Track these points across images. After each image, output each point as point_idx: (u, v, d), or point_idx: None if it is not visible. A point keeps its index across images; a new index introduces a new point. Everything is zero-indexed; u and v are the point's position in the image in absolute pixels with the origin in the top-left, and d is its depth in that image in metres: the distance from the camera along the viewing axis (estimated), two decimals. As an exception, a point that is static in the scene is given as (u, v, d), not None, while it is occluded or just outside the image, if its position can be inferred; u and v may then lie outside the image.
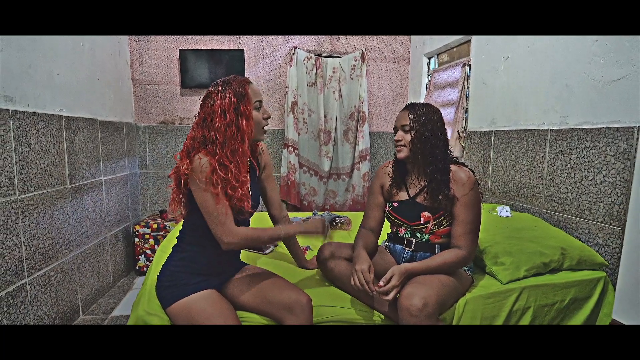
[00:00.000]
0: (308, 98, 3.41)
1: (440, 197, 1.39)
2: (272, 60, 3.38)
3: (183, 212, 1.30)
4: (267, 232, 1.29)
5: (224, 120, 1.18)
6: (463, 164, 1.45)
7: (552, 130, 1.95)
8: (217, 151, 1.18)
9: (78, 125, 2.27)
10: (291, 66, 3.32)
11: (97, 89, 2.56)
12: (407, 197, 1.49)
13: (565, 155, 1.86)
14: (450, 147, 1.45)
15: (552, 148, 1.94)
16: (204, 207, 1.18)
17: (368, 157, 3.46)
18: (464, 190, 1.38)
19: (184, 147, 1.24)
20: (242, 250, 1.49)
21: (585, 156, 1.75)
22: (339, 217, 2.23)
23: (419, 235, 1.47)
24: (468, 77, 2.68)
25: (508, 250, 1.54)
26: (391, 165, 1.55)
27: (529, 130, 2.10)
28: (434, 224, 1.42)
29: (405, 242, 1.50)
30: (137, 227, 3.03)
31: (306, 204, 3.49)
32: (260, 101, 1.27)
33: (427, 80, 3.33)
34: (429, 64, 3.33)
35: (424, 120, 1.40)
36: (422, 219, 1.43)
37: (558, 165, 1.90)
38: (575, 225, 1.81)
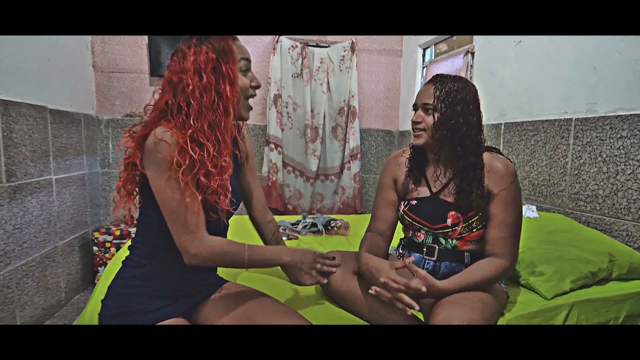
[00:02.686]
0: (293, 90, 3.10)
1: (472, 196, 1.11)
2: (254, 48, 3.07)
3: (133, 210, 0.96)
4: (256, 252, 0.95)
5: (199, 82, 0.87)
6: (497, 151, 1.18)
7: (577, 119, 1.71)
8: (192, 122, 0.86)
9: (20, 112, 1.89)
10: (274, 55, 3.01)
11: (48, 72, 2.18)
12: (428, 194, 1.20)
13: (595, 147, 1.63)
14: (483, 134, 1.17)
15: (577, 140, 1.71)
16: (164, 203, 0.86)
17: (359, 155, 3.18)
18: (502, 184, 1.10)
19: (142, 122, 0.92)
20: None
21: (622, 147, 1.52)
22: (334, 220, 1.92)
23: (443, 241, 1.18)
24: (471, 66, 2.45)
25: (546, 257, 1.27)
26: (407, 154, 1.26)
27: (547, 120, 1.86)
28: (464, 226, 1.14)
29: (425, 249, 1.21)
30: (97, 234, 2.63)
31: (290, 209, 3.17)
32: (248, 60, 0.96)
33: (423, 73, 3.09)
34: (424, 55, 3.09)
35: (454, 100, 1.09)
36: (448, 221, 1.14)
37: (585, 159, 1.67)
38: (609, 226, 1.57)
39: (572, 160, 1.73)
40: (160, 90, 0.92)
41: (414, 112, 1.18)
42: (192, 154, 0.85)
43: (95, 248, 2.64)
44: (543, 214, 1.66)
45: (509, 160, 1.15)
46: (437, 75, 1.16)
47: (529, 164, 1.97)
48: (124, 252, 1.02)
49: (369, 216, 2.38)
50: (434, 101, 1.11)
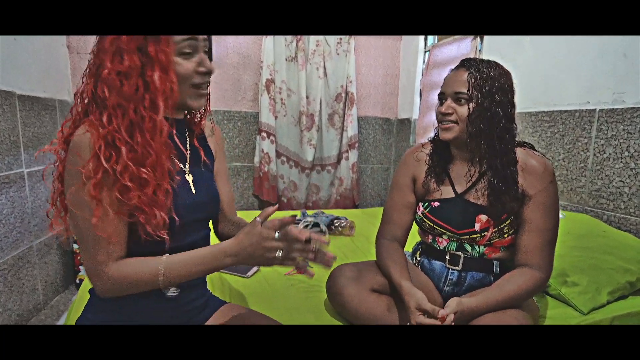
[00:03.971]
0: (287, 75, 2.90)
1: (505, 196, 0.98)
2: (245, 29, 2.85)
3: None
4: (175, 267, 0.73)
5: (119, 65, 0.68)
6: (530, 146, 1.05)
7: (601, 110, 1.59)
8: (106, 119, 0.68)
9: (-17, 98, 1.67)
10: (266, 37, 2.80)
11: (15, 53, 1.94)
12: (452, 195, 1.07)
13: (622, 140, 1.50)
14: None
15: (601, 132, 1.59)
16: (73, 224, 0.71)
17: (357, 145, 3.03)
18: (539, 185, 0.98)
19: (70, 119, 0.74)
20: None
21: (653, 142, 1.40)
22: (338, 219, 1.77)
23: (468, 248, 1.05)
24: (480, 51, 2.29)
25: (578, 265, 1.16)
26: (427, 149, 1.12)
27: (566, 111, 1.74)
28: (495, 232, 1.01)
29: (448, 257, 1.08)
30: (77, 231, 2.44)
31: (285, 201, 3.01)
32: (195, 39, 0.74)
33: (425, 57, 2.93)
34: (426, 39, 2.92)
35: (492, 88, 0.96)
36: (477, 226, 1.01)
37: (610, 154, 1.55)
38: (635, 227, 1.46)
39: (594, 155, 1.61)
40: (86, 75, 0.73)
41: (440, 101, 1.04)
42: (104, 162, 0.67)
43: (75, 245, 2.45)
44: (568, 214, 1.55)
45: (546, 157, 1.02)
46: (468, 59, 1.01)
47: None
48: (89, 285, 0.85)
49: (371, 211, 2.26)
50: (469, 90, 0.97)
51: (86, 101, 0.73)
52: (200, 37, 0.75)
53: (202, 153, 0.88)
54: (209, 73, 0.77)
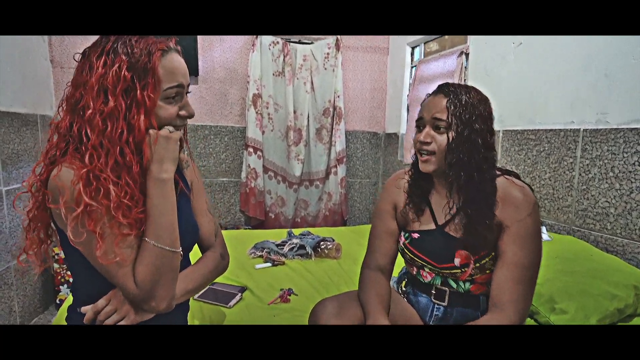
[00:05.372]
0: (274, 90, 2.89)
1: (481, 227, 0.91)
2: (231, 43, 2.83)
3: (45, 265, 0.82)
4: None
5: (103, 105, 0.68)
6: (515, 175, 0.99)
7: (585, 130, 1.59)
8: (89, 158, 0.68)
9: (-43, 117, 1.62)
10: (254, 51, 2.79)
11: (-8, 68, 1.89)
12: (433, 226, 1.01)
13: (607, 161, 1.51)
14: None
15: (585, 152, 1.59)
16: (92, 262, 0.73)
17: (345, 159, 3.01)
18: (517, 216, 0.90)
19: (44, 150, 0.74)
20: (190, 304, 0.96)
21: (637, 162, 1.40)
22: (324, 240, 1.73)
23: (454, 284, 1.01)
24: (465, 68, 2.30)
25: (567, 291, 1.14)
26: (407, 177, 1.06)
27: (551, 130, 1.74)
28: (475, 268, 0.95)
29: (434, 292, 1.04)
30: (57, 250, 2.37)
31: (273, 217, 2.97)
32: (181, 86, 0.75)
33: (412, 72, 2.94)
34: (412, 54, 2.94)
35: (472, 116, 0.90)
36: (456, 261, 0.96)
37: (595, 174, 1.55)
38: (621, 248, 1.46)
39: (580, 175, 1.61)
40: (64, 107, 0.73)
41: (418, 128, 0.98)
42: (91, 200, 0.67)
43: (55, 265, 2.38)
44: (555, 237, 1.54)
45: (530, 187, 0.98)
46: (447, 84, 0.96)
47: (530, 176, 1.85)
48: (61, 322, 0.81)
49: (358, 229, 2.23)
50: (448, 117, 0.91)
51: (62, 135, 0.72)
52: (186, 82, 0.77)
53: (180, 183, 0.86)
54: (190, 116, 0.79)
